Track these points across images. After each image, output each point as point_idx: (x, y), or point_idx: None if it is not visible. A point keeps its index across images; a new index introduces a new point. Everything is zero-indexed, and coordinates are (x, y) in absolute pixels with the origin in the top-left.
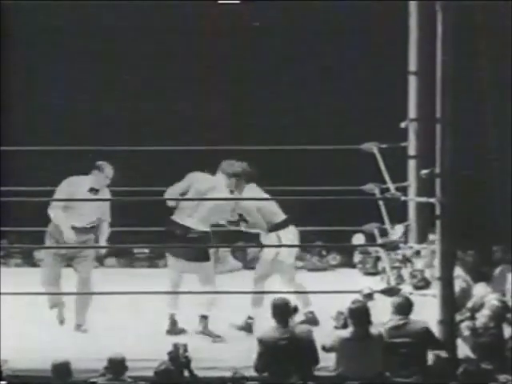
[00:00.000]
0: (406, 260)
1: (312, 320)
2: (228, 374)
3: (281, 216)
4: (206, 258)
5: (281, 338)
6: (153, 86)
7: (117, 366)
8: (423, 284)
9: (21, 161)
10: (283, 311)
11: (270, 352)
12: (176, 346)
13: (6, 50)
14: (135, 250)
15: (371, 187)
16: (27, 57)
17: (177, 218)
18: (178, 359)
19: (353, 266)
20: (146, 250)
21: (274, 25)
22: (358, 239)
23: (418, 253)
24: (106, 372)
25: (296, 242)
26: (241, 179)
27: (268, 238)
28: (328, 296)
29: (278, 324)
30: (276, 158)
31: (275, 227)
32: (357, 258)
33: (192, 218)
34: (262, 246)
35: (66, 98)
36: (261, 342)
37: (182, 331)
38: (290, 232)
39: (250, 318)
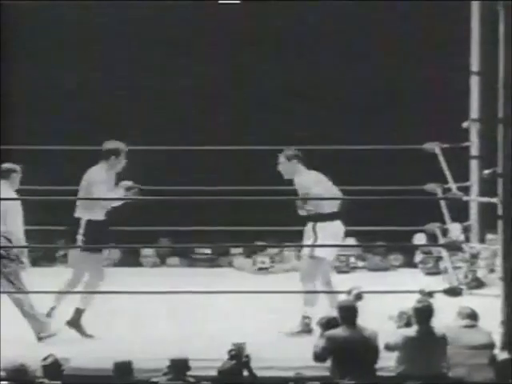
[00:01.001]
0: (470, 260)
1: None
2: (288, 373)
3: (329, 208)
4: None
5: (348, 338)
6: (152, 85)
7: (179, 366)
8: (477, 284)
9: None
10: (350, 312)
11: (335, 349)
12: (237, 345)
13: (6, 50)
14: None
15: (433, 187)
16: (27, 57)
17: None
18: (240, 358)
19: (415, 265)
20: (208, 251)
21: (274, 25)
22: (419, 239)
23: (478, 253)
24: (168, 371)
25: (337, 239)
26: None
27: (307, 228)
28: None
29: (345, 325)
30: (340, 157)
31: (315, 218)
32: (418, 257)
33: None
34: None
35: (66, 97)
36: (329, 339)
37: None
38: (331, 227)
39: (305, 317)
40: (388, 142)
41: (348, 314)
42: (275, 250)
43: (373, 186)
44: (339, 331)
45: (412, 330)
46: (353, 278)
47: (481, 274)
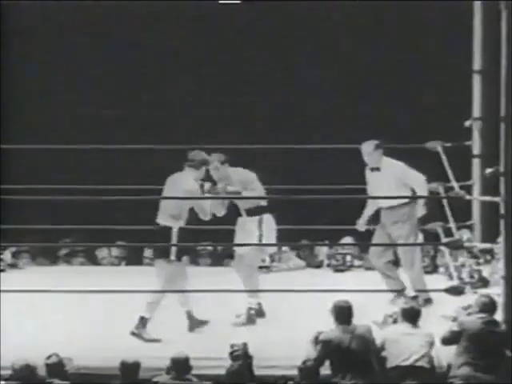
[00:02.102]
0: (474, 259)
1: (259, 312)
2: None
3: (264, 202)
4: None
5: (343, 339)
6: (152, 85)
7: (180, 366)
8: (481, 284)
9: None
10: (345, 313)
11: (331, 353)
12: (239, 345)
13: (6, 50)
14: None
15: (435, 186)
16: (27, 57)
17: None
18: (245, 358)
19: None
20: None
21: (275, 25)
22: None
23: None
24: (169, 370)
25: (275, 231)
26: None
27: (249, 223)
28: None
29: (340, 325)
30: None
31: (258, 210)
32: None
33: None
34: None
35: (66, 97)
36: (323, 343)
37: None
38: (270, 219)
39: (250, 308)
40: (391, 140)
41: (341, 314)
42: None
43: None
44: (331, 333)
45: (474, 323)
46: (348, 276)
47: (486, 273)
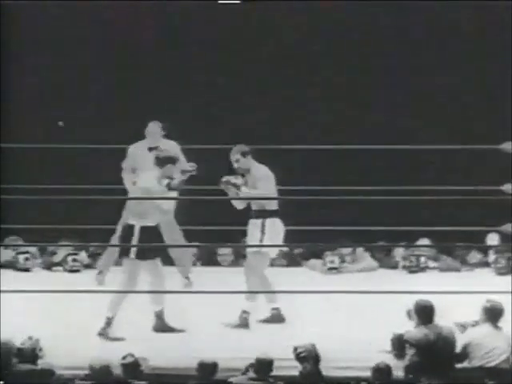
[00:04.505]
0: None
1: (278, 317)
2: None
3: (274, 205)
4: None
5: (429, 338)
6: (152, 86)
7: (264, 367)
8: None
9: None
10: (428, 312)
11: (419, 353)
12: (305, 346)
13: (6, 51)
14: None
15: (510, 187)
16: (27, 57)
17: None
18: (314, 360)
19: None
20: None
21: (274, 25)
22: (492, 239)
23: None
24: (248, 371)
25: (281, 236)
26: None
27: (253, 225)
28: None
29: (424, 324)
30: (422, 157)
31: (263, 214)
32: (491, 257)
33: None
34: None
35: (66, 98)
36: (410, 343)
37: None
38: (276, 223)
39: (244, 312)
40: (466, 141)
41: (424, 313)
42: (347, 250)
43: (450, 186)
44: (416, 332)
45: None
46: (420, 277)
47: None
